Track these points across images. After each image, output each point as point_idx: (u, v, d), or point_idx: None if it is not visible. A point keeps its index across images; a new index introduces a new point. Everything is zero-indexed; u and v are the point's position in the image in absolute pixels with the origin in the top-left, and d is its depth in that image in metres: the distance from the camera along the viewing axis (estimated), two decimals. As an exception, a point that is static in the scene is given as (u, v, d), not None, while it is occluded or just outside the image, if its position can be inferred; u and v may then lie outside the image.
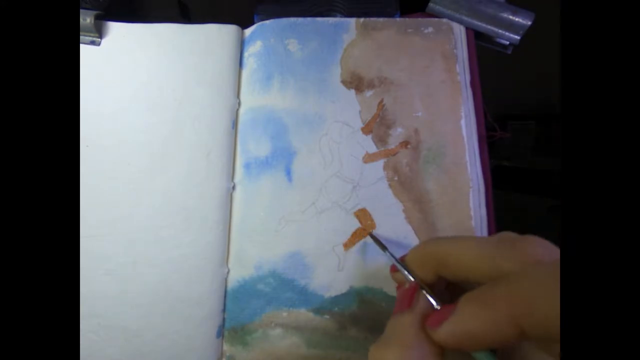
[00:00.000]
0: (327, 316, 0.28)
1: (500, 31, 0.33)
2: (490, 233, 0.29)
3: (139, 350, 0.28)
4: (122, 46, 0.33)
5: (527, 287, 0.14)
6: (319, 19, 0.34)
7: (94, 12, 0.33)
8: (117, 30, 0.34)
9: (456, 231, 0.28)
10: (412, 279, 0.19)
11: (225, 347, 0.28)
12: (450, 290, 0.21)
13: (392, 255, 0.23)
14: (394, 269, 0.21)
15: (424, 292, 0.18)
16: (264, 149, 0.31)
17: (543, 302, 0.13)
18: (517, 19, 0.32)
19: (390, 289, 0.28)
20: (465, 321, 0.15)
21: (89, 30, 0.33)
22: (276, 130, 0.31)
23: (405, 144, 0.30)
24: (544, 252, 0.15)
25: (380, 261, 0.28)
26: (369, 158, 0.30)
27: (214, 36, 0.33)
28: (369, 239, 0.29)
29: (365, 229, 0.29)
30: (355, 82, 0.32)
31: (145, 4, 0.43)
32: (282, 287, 0.28)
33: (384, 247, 0.25)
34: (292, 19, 0.34)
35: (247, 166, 0.31)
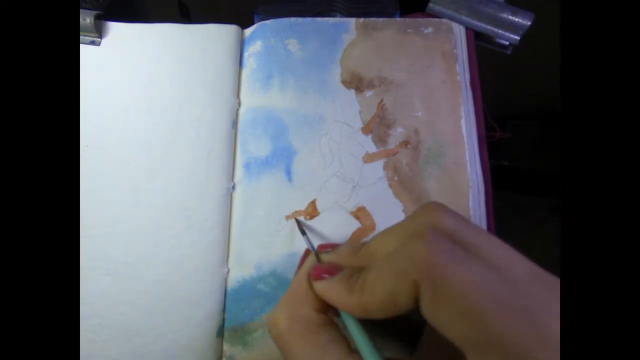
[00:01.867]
0: (327, 316, 0.28)
1: (500, 31, 0.33)
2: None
3: (138, 350, 0.28)
4: (122, 46, 0.33)
5: (372, 275, 0.17)
6: (319, 19, 0.34)
7: (94, 12, 0.33)
8: (117, 30, 0.34)
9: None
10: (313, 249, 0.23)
11: (225, 347, 0.28)
12: None
13: (309, 240, 0.26)
14: (302, 259, 0.24)
15: (314, 254, 0.22)
16: (264, 149, 0.31)
17: (379, 288, 0.17)
18: (516, 19, 0.32)
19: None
20: (334, 288, 0.19)
21: (89, 30, 0.33)
22: (276, 130, 0.31)
23: (405, 143, 0.30)
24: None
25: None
26: (369, 158, 0.30)
27: (214, 36, 0.33)
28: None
29: (365, 228, 0.29)
30: (355, 82, 0.32)
31: (145, 4, 0.43)
32: (283, 286, 0.28)
33: (303, 232, 0.27)
34: (292, 19, 0.34)
35: (247, 166, 0.31)
